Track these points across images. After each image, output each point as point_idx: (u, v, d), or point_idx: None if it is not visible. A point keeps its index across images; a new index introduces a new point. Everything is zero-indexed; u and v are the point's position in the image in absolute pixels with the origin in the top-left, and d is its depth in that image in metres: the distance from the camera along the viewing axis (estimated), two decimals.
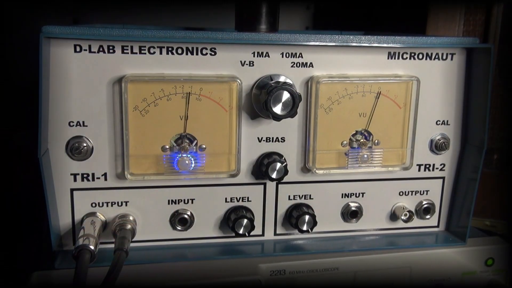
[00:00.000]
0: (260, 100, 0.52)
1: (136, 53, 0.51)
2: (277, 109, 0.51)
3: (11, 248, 0.78)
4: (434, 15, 0.73)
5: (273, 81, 0.53)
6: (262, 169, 0.55)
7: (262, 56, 0.53)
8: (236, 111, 0.53)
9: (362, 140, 0.57)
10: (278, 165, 0.54)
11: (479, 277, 0.61)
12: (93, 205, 0.54)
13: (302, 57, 0.54)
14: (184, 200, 0.56)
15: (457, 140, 0.60)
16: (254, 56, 0.53)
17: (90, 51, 0.50)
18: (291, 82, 0.54)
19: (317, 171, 0.57)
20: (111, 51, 0.50)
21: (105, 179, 0.53)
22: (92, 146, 0.52)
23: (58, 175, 0.52)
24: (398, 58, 0.56)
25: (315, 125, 0.55)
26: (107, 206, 0.54)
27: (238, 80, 0.52)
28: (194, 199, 0.56)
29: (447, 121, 0.59)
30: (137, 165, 0.53)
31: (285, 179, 0.55)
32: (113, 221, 0.54)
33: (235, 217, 0.56)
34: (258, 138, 0.55)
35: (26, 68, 0.90)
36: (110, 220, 0.54)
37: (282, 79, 0.54)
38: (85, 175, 0.53)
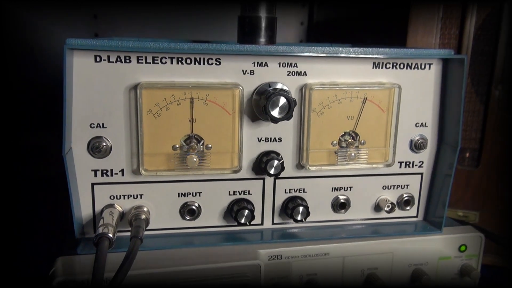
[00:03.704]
0: (260, 105, 0.52)
1: (150, 62, 0.50)
2: (275, 112, 0.51)
3: (39, 236, 0.78)
4: (413, 30, 0.73)
5: (271, 88, 0.53)
6: (261, 165, 0.55)
7: (262, 66, 0.53)
8: (238, 114, 0.53)
9: (350, 140, 0.57)
10: (276, 162, 0.54)
11: (454, 262, 0.61)
12: (112, 197, 0.54)
13: (297, 66, 0.54)
14: (192, 193, 0.56)
15: (434, 140, 0.60)
16: (254, 65, 0.53)
17: (109, 61, 0.49)
18: (287, 89, 0.53)
19: (310, 167, 0.56)
20: (127, 61, 0.50)
21: (122, 175, 0.53)
22: (111, 145, 0.52)
23: (80, 171, 0.52)
24: (382, 68, 0.56)
25: (308, 127, 0.55)
26: (124, 198, 0.54)
27: (240, 87, 0.52)
28: (201, 192, 0.56)
29: (425, 123, 0.59)
30: (151, 162, 0.53)
31: (282, 174, 0.55)
32: (129, 211, 0.54)
33: (237, 208, 0.55)
34: (258, 138, 0.55)
35: (51, 76, 0.91)
36: (127, 211, 0.54)
37: (279, 86, 0.53)
38: (104, 171, 0.52)
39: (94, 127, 0.51)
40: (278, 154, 0.56)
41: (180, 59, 0.51)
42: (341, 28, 1.06)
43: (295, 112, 0.54)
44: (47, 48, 0.94)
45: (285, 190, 0.58)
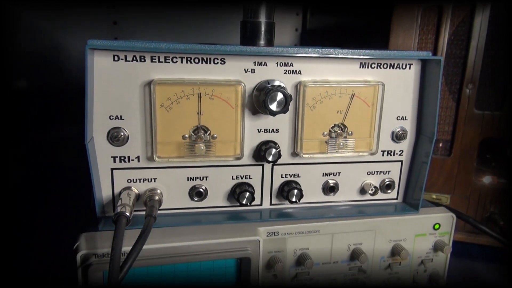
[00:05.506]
0: (260, 100, 0.51)
1: (162, 62, 0.49)
2: (273, 106, 0.50)
3: (65, 214, 0.77)
4: (395, 35, 0.72)
5: (270, 85, 0.51)
6: (260, 153, 0.54)
7: (261, 65, 0.52)
8: (240, 108, 0.52)
9: (339, 131, 0.56)
10: (273, 150, 0.53)
11: (429, 238, 0.60)
12: (129, 181, 0.52)
13: (292, 66, 0.52)
14: (200, 177, 0.54)
15: (413, 132, 0.59)
16: (255, 65, 0.52)
17: (126, 60, 0.48)
18: (284, 86, 0.52)
19: (303, 155, 0.55)
20: (142, 60, 0.48)
21: (138, 161, 0.52)
22: (128, 135, 0.51)
23: (101, 158, 0.51)
24: (368, 67, 0.55)
25: (302, 119, 0.54)
26: (140, 182, 0.53)
27: (243, 84, 0.51)
28: (207, 176, 0.55)
29: (405, 117, 0.58)
30: (163, 150, 0.52)
31: (279, 161, 0.55)
32: (144, 193, 0.53)
33: (239, 191, 0.54)
34: (258, 129, 0.54)
35: (74, 73, 0.90)
36: (142, 193, 0.53)
37: (277, 83, 0.52)
38: (122, 158, 0.51)
39: (113, 118, 0.50)
40: (275, 143, 0.54)
41: (189, 58, 0.50)
42: (331, 35, 1.05)
43: (291, 106, 0.53)
44: (70, 50, 0.93)
45: (282, 175, 0.57)
